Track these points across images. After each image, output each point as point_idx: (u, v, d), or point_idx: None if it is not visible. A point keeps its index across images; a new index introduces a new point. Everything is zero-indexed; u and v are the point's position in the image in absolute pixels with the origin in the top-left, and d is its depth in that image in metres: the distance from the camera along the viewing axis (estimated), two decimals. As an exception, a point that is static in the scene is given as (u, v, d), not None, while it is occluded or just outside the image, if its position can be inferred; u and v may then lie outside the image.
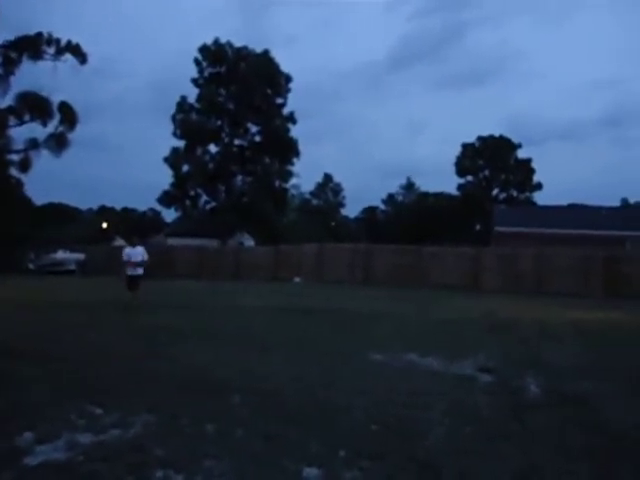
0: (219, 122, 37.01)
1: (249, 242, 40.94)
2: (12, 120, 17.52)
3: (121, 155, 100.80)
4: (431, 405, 4.46)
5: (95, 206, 76.51)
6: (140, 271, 11.11)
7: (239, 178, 38.35)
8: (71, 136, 17.60)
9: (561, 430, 3.95)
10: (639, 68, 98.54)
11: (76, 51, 15.39)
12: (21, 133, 18.07)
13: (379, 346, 7.10)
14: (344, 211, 64.70)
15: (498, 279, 19.95)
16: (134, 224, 51.10)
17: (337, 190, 62.43)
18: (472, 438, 3.73)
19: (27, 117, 17.37)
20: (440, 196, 53.99)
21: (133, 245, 11.42)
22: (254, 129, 37.86)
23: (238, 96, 36.30)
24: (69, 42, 16.26)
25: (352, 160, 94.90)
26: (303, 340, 7.67)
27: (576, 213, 30.93)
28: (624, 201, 56.86)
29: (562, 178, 79.63)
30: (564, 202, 47.64)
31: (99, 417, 3.92)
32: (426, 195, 56.41)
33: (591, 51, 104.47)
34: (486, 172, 51.36)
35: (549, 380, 5.48)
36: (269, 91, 36.72)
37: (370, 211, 64.41)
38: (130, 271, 10.95)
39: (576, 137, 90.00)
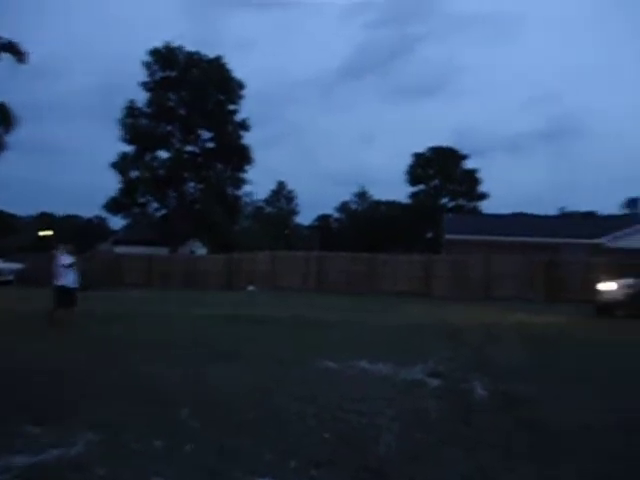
0: (170, 127, 36.23)
1: (201, 250, 40.14)
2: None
3: (62, 159, 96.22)
4: (381, 411, 4.50)
5: (35, 212, 72.47)
6: (72, 282, 9.89)
7: (191, 185, 37.63)
8: (8, 139, 16.64)
9: (506, 431, 4.09)
10: (573, 85, 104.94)
11: (14, 50, 14.60)
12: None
13: (331, 353, 7.11)
14: (298, 219, 64.77)
15: (448, 285, 20.54)
16: (77, 232, 48.85)
17: (291, 197, 62.42)
18: (422, 443, 3.79)
19: (-39, 119, 16.34)
20: (392, 204, 55.10)
21: (62, 255, 10.04)
22: (206, 135, 37.33)
23: (190, 102, 35.71)
24: (9, 41, 15.46)
25: (306, 168, 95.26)
26: (255, 349, 7.59)
27: (519, 221, 32.40)
28: (561, 210, 60.23)
29: (507, 188, 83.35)
30: (509, 211, 49.89)
31: (37, 437, 3.70)
32: (378, 203, 57.41)
33: (531, 67, 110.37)
34: (436, 181, 52.92)
35: (495, 382, 5.67)
36: (221, 97, 36.36)
37: (324, 219, 64.76)
38: (61, 281, 9.73)
39: (518, 149, 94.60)
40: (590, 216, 52.17)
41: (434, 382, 5.69)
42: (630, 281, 13.35)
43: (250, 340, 8.45)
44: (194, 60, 35.88)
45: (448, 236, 28.03)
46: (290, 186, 61.82)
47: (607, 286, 13.70)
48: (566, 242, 26.38)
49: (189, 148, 37.24)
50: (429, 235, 48.05)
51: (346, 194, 64.48)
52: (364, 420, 4.26)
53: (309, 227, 66.21)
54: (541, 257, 20.88)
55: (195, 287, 23.35)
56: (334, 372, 6.10)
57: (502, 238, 26.73)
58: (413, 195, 53.59)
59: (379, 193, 64.07)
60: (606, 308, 13.34)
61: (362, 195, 60.92)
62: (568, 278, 19.63)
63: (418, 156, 52.93)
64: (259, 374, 5.88)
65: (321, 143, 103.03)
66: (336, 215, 63.68)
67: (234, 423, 4.10)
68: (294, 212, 63.32)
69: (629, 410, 4.74)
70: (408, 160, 53.51)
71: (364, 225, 53.40)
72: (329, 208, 64.27)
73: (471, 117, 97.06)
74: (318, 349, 7.60)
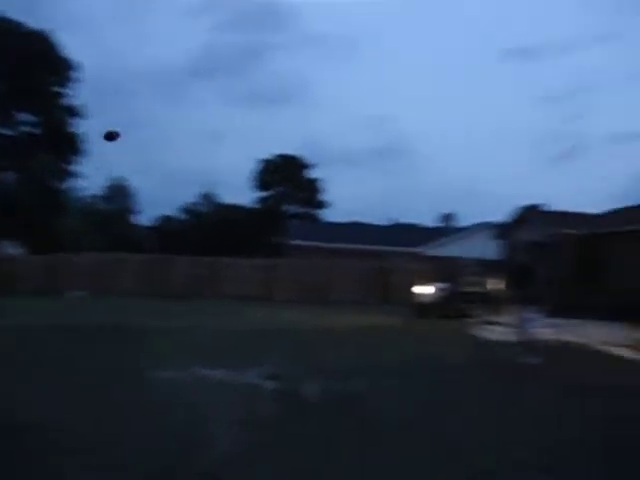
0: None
1: (16, 250, 34.86)
2: None
3: None
4: (219, 417, 4.50)
5: None
6: None
7: (6, 174, 32.53)
8: None
9: (338, 426, 4.41)
10: (405, 108, 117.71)
11: None
12: None
13: (169, 362, 6.84)
14: (137, 218, 60.47)
15: (291, 290, 21.19)
16: None
17: (130, 195, 58.06)
18: (257, 445, 3.89)
19: None
20: (239, 208, 54.97)
21: None
22: (28, 119, 32.70)
23: (8, 78, 30.91)
24: None
25: (148, 165, 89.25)
26: (79, 360, 6.90)
27: (356, 230, 35.12)
28: (393, 220, 67.17)
29: (346, 198, 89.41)
30: (348, 219, 53.63)
31: None
32: (225, 206, 56.75)
33: (370, 88, 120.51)
34: (283, 188, 54.39)
35: (329, 381, 6.06)
36: (47, 77, 32.19)
37: (166, 219, 61.60)
38: None
39: (358, 163, 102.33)
40: (414, 227, 59.03)
41: (271, 385, 5.85)
42: (443, 285, 15.43)
43: (73, 352, 7.65)
44: (13, 29, 31.03)
45: (292, 241, 29.00)
46: (130, 183, 57.50)
47: (424, 290, 15.63)
48: (394, 250, 29.42)
49: (5, 131, 32.20)
50: (275, 241, 49.11)
51: (191, 195, 62.32)
52: (201, 426, 4.20)
53: (150, 227, 62.35)
54: (375, 263, 22.85)
55: (8, 293, 20.20)
56: (170, 381, 5.87)
57: (341, 245, 28.64)
58: (261, 200, 54.30)
59: (226, 196, 63.19)
60: (424, 309, 15.18)
61: (208, 197, 59.59)
62: (396, 283, 21.82)
63: (266, 162, 53.83)
64: (79, 389, 5.37)
65: (166, 141, 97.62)
66: (179, 216, 61.10)
67: (59, 444, 3.69)
68: (134, 211, 59.02)
69: (443, 399, 5.51)
70: (256, 165, 54.11)
71: (209, 228, 52.28)
72: (173, 209, 61.29)
73: (317, 129, 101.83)
74: (155, 359, 7.23)
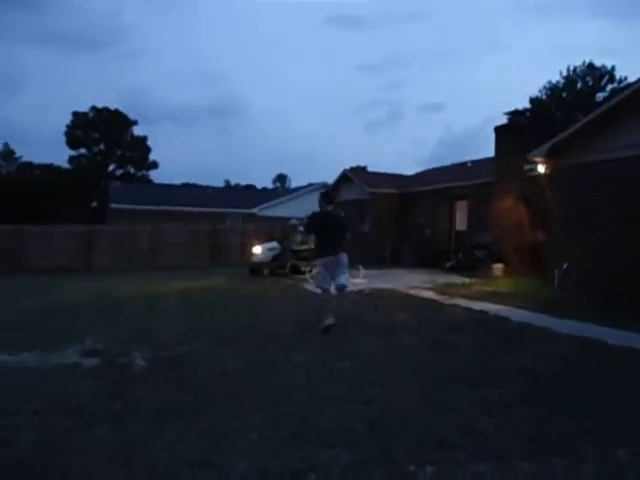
0: None
1: None
2: None
3: None
4: (21, 407, 3.93)
5: None
6: None
7: None
8: None
9: (163, 396, 4.22)
10: (238, 68, 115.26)
11: None
12: None
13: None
14: None
15: (112, 257, 19.56)
16: None
17: None
18: (69, 430, 3.51)
19: None
20: (49, 168, 48.08)
21: None
22: None
23: None
24: None
25: None
26: None
27: (188, 192, 33.74)
28: (226, 182, 66.18)
29: (176, 158, 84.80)
30: (178, 181, 51.09)
31: None
32: (30, 166, 49.11)
33: (200, 42, 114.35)
34: (101, 146, 48.94)
35: (154, 351, 5.76)
36: None
37: (-50, 182, 50.92)
38: None
39: (188, 122, 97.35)
40: (250, 189, 59.06)
41: (90, 362, 5.35)
42: (272, 244, 15.84)
43: None
44: None
45: (114, 205, 26.62)
46: None
47: (255, 250, 15.87)
48: (229, 212, 29.15)
49: None
50: (94, 204, 44.33)
51: (-17, 153, 52.25)
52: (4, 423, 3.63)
53: None
54: (206, 226, 22.29)
55: None
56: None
57: (171, 208, 27.26)
58: (73, 159, 48.11)
59: (30, 154, 54.44)
60: (256, 269, 15.45)
61: (7, 155, 50.77)
62: (229, 244, 21.76)
63: (79, 115, 47.57)
64: None
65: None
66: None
67: None
68: None
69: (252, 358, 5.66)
70: (67, 119, 47.55)
71: (11, 191, 44.77)
72: (-41, 169, 50.76)
73: (139, 82, 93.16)
74: None
